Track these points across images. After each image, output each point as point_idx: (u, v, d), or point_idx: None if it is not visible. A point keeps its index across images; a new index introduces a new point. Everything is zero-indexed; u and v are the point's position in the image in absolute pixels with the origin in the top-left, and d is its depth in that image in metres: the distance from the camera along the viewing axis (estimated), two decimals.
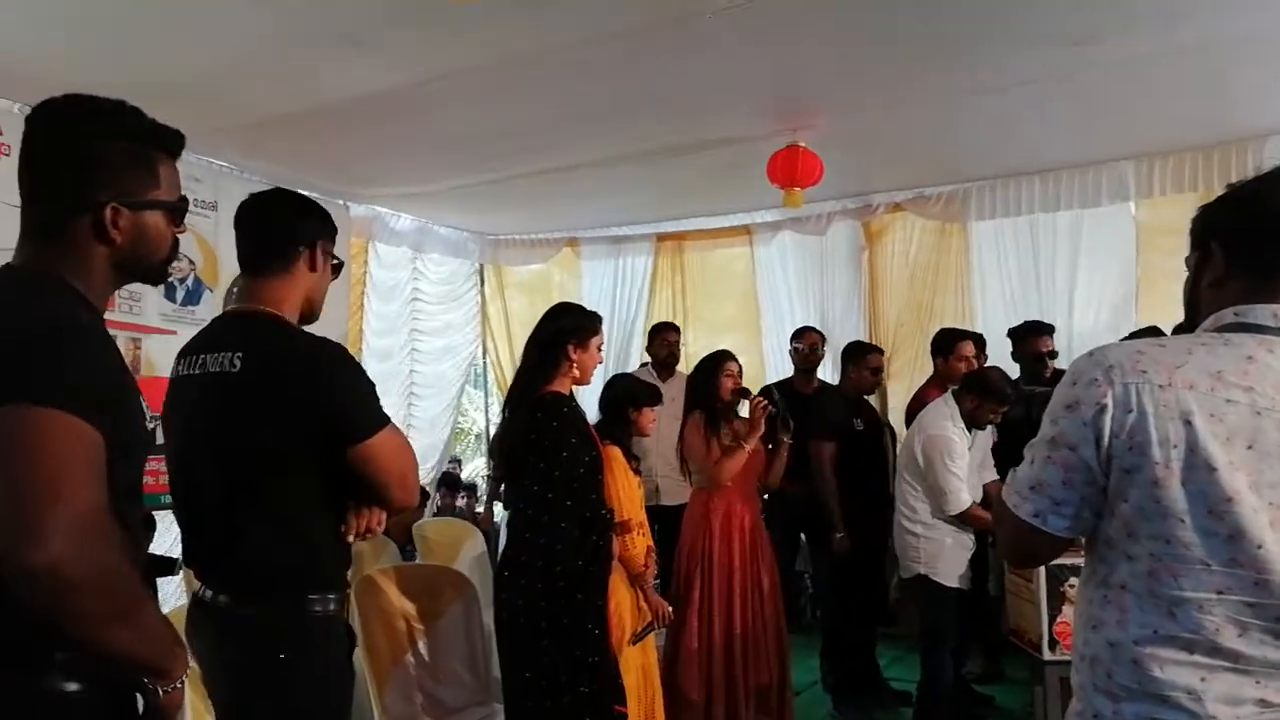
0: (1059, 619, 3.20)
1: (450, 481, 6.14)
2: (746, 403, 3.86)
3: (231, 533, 1.73)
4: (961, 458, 3.69)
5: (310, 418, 1.66)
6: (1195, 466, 1.20)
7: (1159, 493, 1.21)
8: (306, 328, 1.85)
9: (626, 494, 3.25)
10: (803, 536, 4.92)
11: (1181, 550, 1.21)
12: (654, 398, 3.46)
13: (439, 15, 3.09)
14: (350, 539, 1.76)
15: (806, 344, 4.95)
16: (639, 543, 3.25)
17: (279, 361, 1.72)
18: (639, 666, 3.24)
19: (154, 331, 4.50)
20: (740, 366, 3.96)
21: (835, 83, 4.09)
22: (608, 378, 3.86)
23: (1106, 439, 1.24)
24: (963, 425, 3.74)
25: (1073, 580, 3.09)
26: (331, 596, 1.74)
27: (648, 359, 5.59)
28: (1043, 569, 3.16)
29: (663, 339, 5.38)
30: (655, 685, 3.32)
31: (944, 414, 3.78)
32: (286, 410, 1.67)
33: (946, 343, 4.47)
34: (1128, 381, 1.24)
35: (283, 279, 1.84)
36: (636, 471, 3.39)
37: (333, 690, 1.75)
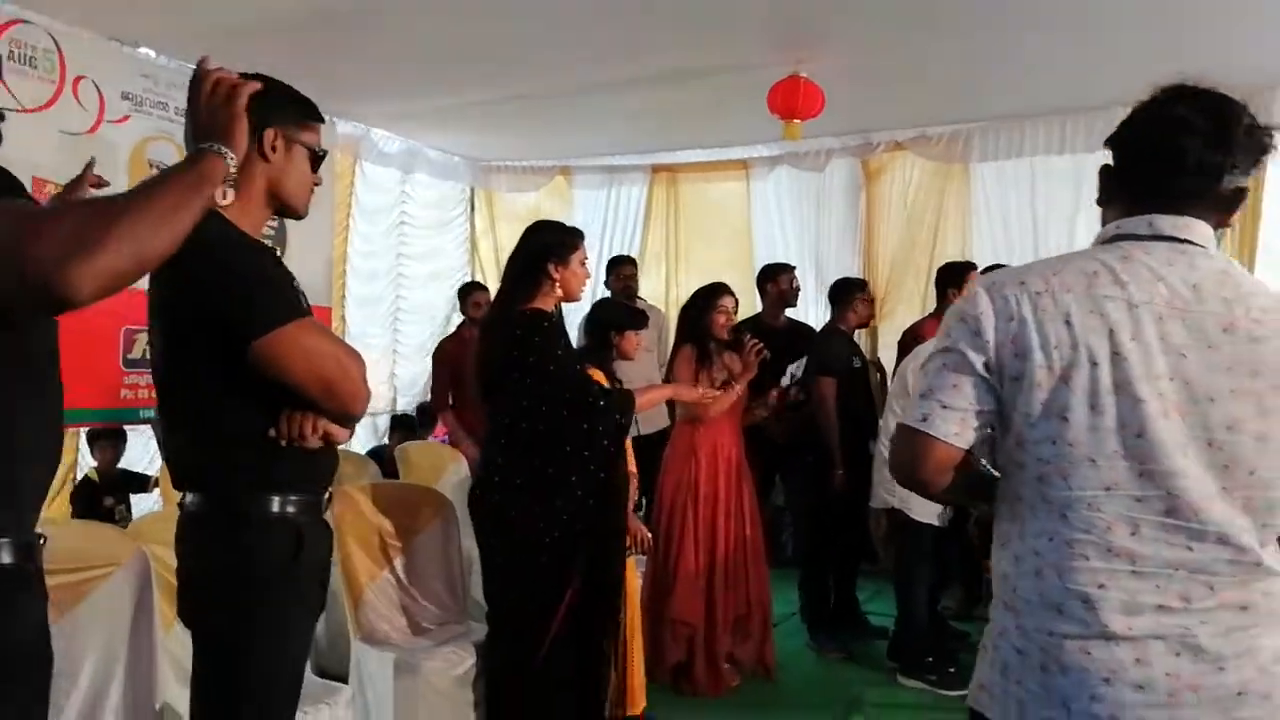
0: None
1: (404, 423, 6.08)
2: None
3: (168, 433, 1.81)
4: None
5: (203, 313, 1.63)
6: (1077, 363, 1.23)
7: (1043, 394, 1.25)
8: (269, 236, 1.79)
9: None
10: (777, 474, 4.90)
11: (1067, 449, 1.24)
12: (638, 321, 3.40)
13: None
14: (282, 443, 1.70)
15: (786, 281, 4.88)
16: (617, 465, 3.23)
17: (180, 258, 1.67)
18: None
19: None
20: (736, 301, 3.89)
21: (842, 12, 3.96)
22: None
23: (993, 349, 1.28)
24: None
25: None
26: (273, 497, 1.70)
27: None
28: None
29: (618, 273, 5.33)
30: (635, 609, 3.32)
31: None
32: (184, 307, 1.65)
33: (956, 275, 4.25)
34: (1007, 293, 1.29)
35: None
36: None
37: (273, 592, 1.71)
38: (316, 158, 1.85)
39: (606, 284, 5.41)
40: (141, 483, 4.52)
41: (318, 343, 1.69)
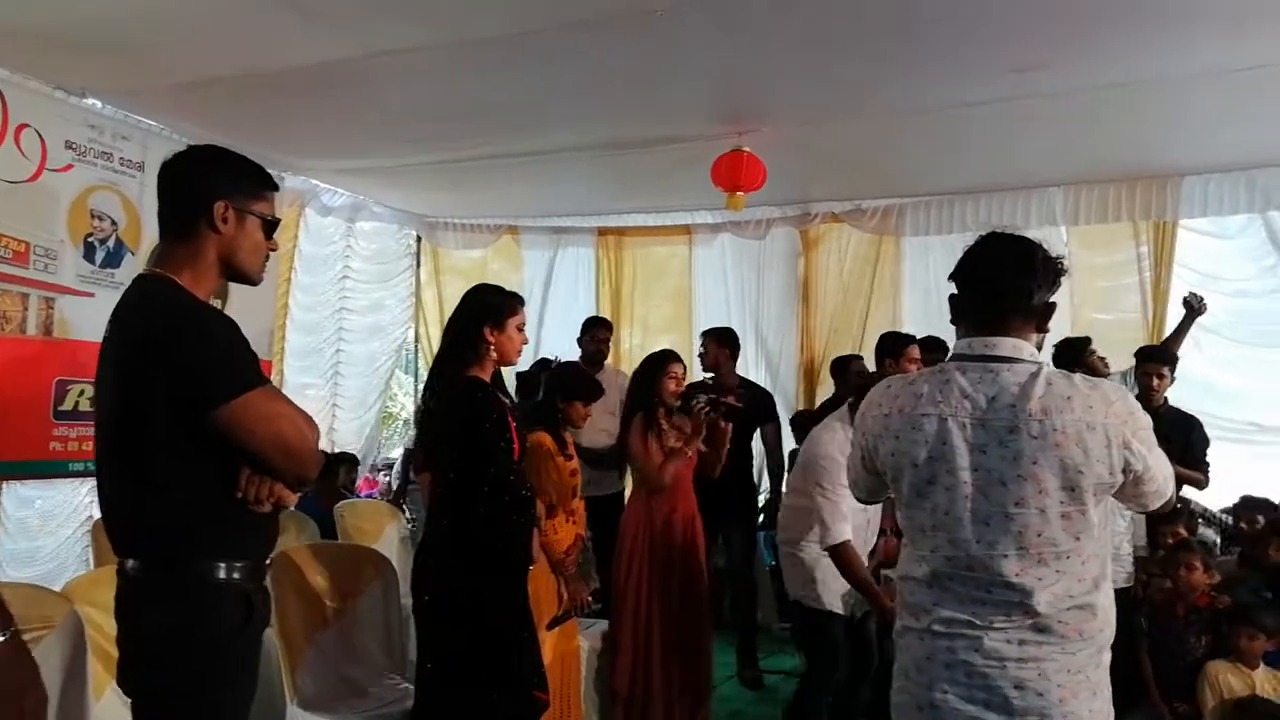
0: None
1: (347, 460, 6.04)
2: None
3: (113, 496, 1.77)
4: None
5: (164, 382, 1.64)
6: (902, 467, 1.75)
7: (894, 485, 1.80)
8: (219, 298, 1.83)
9: (553, 480, 3.24)
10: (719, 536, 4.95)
11: (907, 523, 1.80)
12: (587, 393, 3.45)
13: None
14: (253, 508, 1.72)
15: (703, 346, 5.01)
16: (563, 529, 3.24)
17: (137, 326, 1.72)
18: (559, 653, 3.24)
19: (69, 292, 4.32)
20: (684, 368, 3.93)
21: (784, 92, 4.15)
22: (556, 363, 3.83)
23: (863, 453, 1.88)
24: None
25: None
26: (219, 564, 1.71)
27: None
28: None
29: (593, 335, 5.37)
30: (574, 672, 3.32)
31: (834, 433, 3.26)
32: (142, 374, 1.67)
33: (895, 345, 4.23)
34: (866, 416, 1.86)
35: (184, 242, 1.79)
36: (569, 458, 3.38)
37: (224, 659, 1.71)
38: (270, 225, 1.89)
39: (580, 343, 5.35)
40: None
41: (278, 408, 1.72)
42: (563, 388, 3.44)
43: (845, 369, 4.96)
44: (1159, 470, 1.70)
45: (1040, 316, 1.75)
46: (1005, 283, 1.72)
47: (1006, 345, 1.71)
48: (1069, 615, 1.65)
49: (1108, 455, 1.63)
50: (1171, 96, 3.96)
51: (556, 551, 3.23)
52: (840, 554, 3.06)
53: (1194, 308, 4.60)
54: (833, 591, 3.25)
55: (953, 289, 1.83)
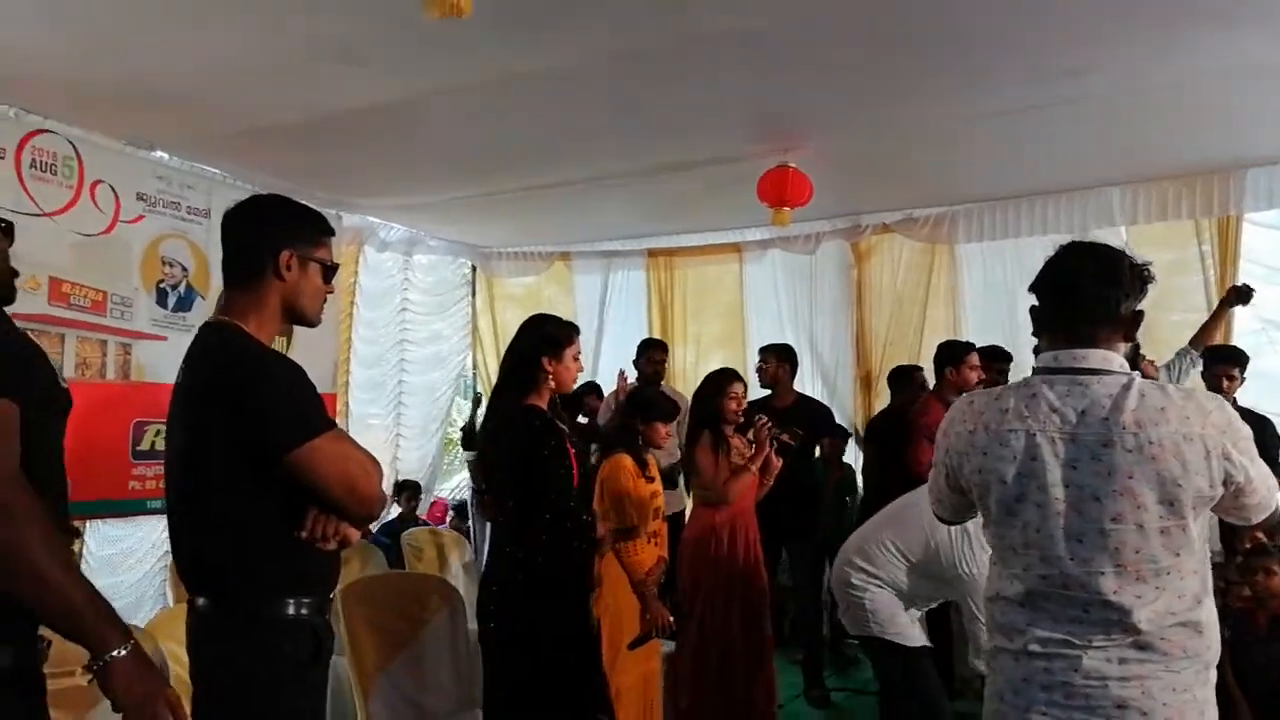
0: None
1: (410, 487, 6.23)
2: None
3: (181, 535, 1.84)
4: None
5: (234, 426, 1.71)
6: (989, 484, 1.72)
7: (981, 503, 1.77)
8: (283, 336, 1.92)
9: (634, 501, 3.28)
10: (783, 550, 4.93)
11: (997, 541, 1.76)
12: (667, 414, 3.48)
13: (435, 32, 3.13)
14: (319, 545, 1.78)
15: (763, 362, 5.00)
16: (644, 550, 3.26)
17: (206, 371, 1.79)
18: (640, 673, 3.25)
19: (144, 337, 4.52)
20: (745, 386, 3.93)
21: (826, 107, 4.15)
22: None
23: (953, 473, 1.83)
24: None
25: None
26: (289, 600, 1.76)
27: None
28: None
29: (649, 357, 5.41)
30: (655, 692, 3.32)
31: None
32: (210, 418, 1.73)
33: (955, 353, 4.32)
34: (949, 431, 1.83)
35: (249, 290, 1.86)
36: (650, 480, 3.41)
37: (288, 695, 1.76)
38: (329, 271, 1.95)
39: (636, 366, 5.42)
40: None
41: (347, 450, 1.78)
42: (643, 409, 3.48)
43: (907, 379, 4.91)
44: (1261, 482, 1.66)
45: (1129, 325, 1.72)
46: (1091, 292, 1.69)
47: (1095, 357, 1.68)
48: (1172, 632, 1.61)
49: (1207, 468, 1.60)
50: (1225, 90, 3.86)
51: (638, 572, 3.24)
52: None
53: (1236, 298, 4.42)
54: (917, 626, 3.09)
55: (1032, 300, 1.79)
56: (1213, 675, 1.68)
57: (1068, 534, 1.63)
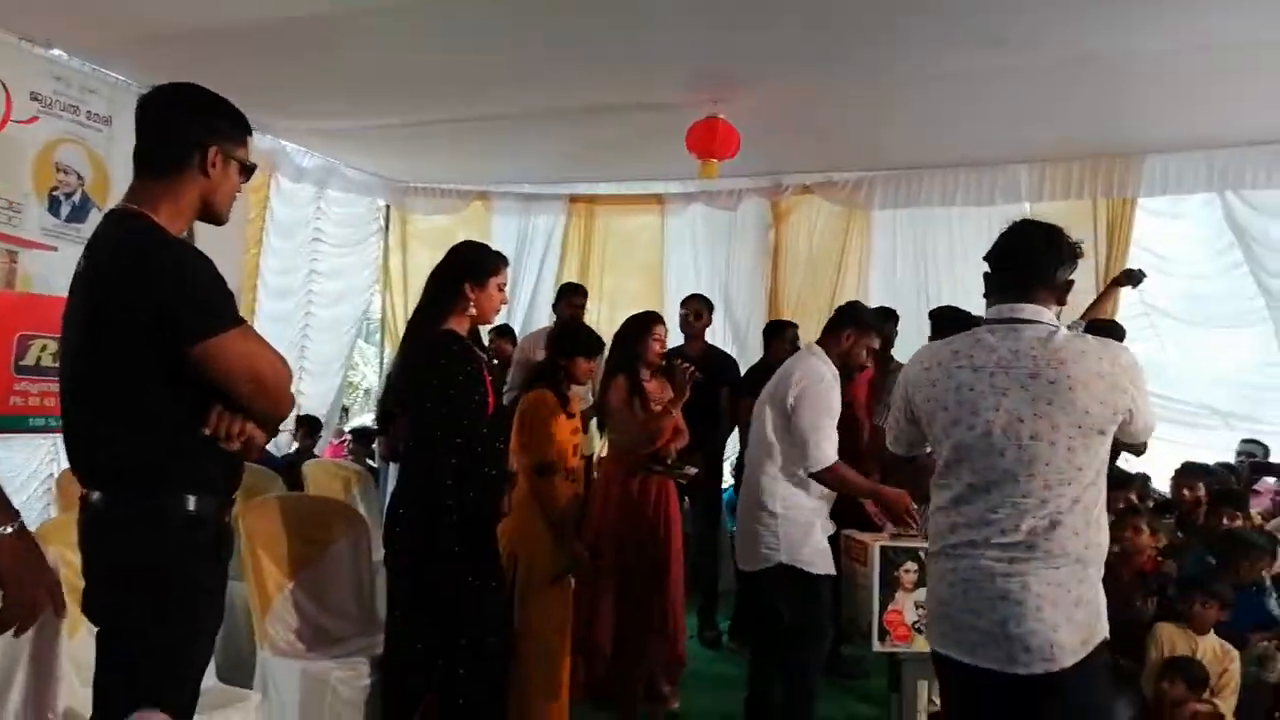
0: (890, 607, 2.89)
1: (309, 422, 6.09)
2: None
3: (80, 429, 1.77)
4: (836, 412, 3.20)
5: (138, 315, 1.65)
6: (935, 411, 2.07)
7: (928, 428, 2.12)
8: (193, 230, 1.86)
9: (553, 437, 3.26)
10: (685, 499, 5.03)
11: (939, 458, 2.09)
12: (589, 348, 3.48)
13: None
14: (222, 444, 1.74)
15: (690, 311, 5.07)
16: (561, 486, 3.25)
17: (114, 259, 1.71)
18: (563, 604, 3.28)
19: (33, 246, 4.27)
20: (667, 329, 3.93)
21: (762, 59, 4.19)
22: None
23: (904, 401, 2.20)
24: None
25: (908, 565, 2.90)
26: (189, 497, 1.72)
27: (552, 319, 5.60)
28: (878, 553, 2.92)
29: (568, 301, 5.39)
30: (564, 636, 3.33)
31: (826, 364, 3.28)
32: (116, 308, 1.67)
33: (860, 320, 4.39)
34: (907, 372, 2.22)
35: (164, 179, 1.79)
36: (570, 416, 3.40)
37: (191, 591, 1.73)
38: (248, 170, 1.91)
39: (555, 310, 5.39)
40: None
41: (256, 347, 1.74)
42: (565, 344, 3.46)
43: (779, 333, 5.02)
44: (1147, 410, 2.03)
45: (1061, 290, 2.09)
46: (1033, 259, 2.06)
47: (1029, 310, 2.03)
48: (1054, 533, 1.93)
49: (1113, 399, 1.94)
50: (1136, 73, 4.05)
51: (554, 509, 3.22)
52: (834, 474, 3.07)
53: (1127, 279, 4.43)
54: (824, 554, 3.18)
55: (979, 269, 2.15)
56: (1091, 574, 1.97)
57: (994, 447, 1.97)
